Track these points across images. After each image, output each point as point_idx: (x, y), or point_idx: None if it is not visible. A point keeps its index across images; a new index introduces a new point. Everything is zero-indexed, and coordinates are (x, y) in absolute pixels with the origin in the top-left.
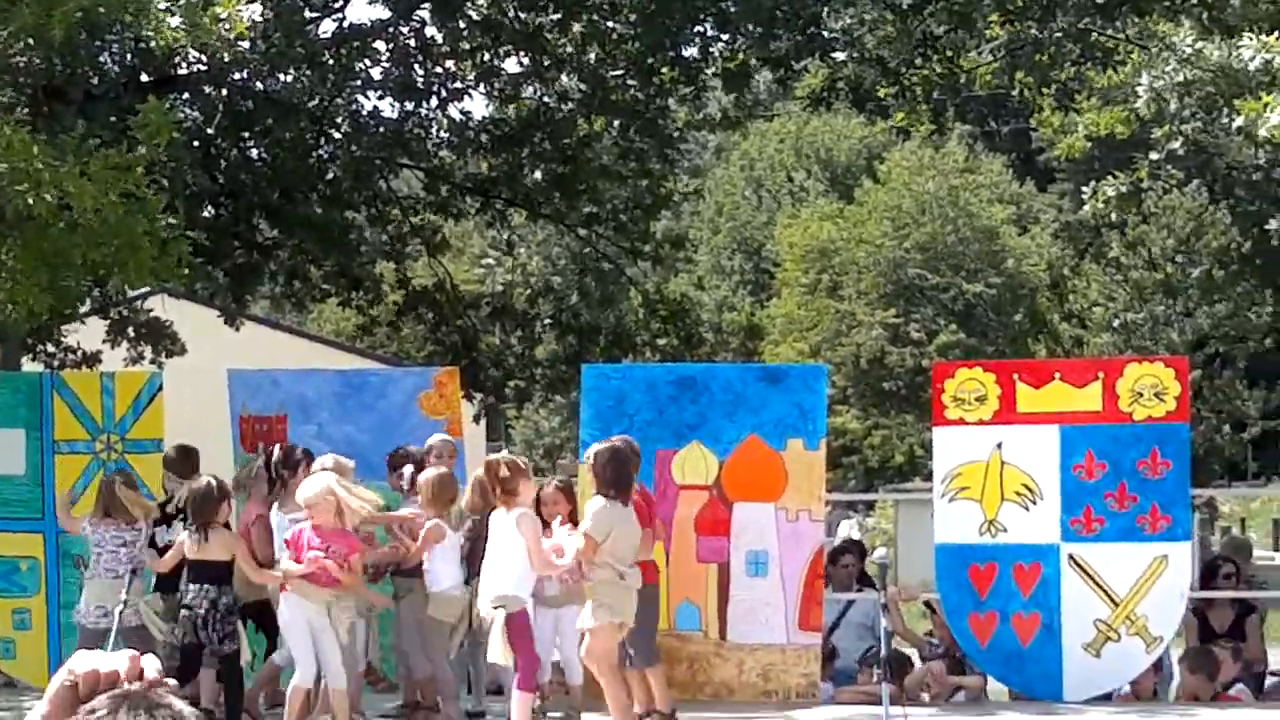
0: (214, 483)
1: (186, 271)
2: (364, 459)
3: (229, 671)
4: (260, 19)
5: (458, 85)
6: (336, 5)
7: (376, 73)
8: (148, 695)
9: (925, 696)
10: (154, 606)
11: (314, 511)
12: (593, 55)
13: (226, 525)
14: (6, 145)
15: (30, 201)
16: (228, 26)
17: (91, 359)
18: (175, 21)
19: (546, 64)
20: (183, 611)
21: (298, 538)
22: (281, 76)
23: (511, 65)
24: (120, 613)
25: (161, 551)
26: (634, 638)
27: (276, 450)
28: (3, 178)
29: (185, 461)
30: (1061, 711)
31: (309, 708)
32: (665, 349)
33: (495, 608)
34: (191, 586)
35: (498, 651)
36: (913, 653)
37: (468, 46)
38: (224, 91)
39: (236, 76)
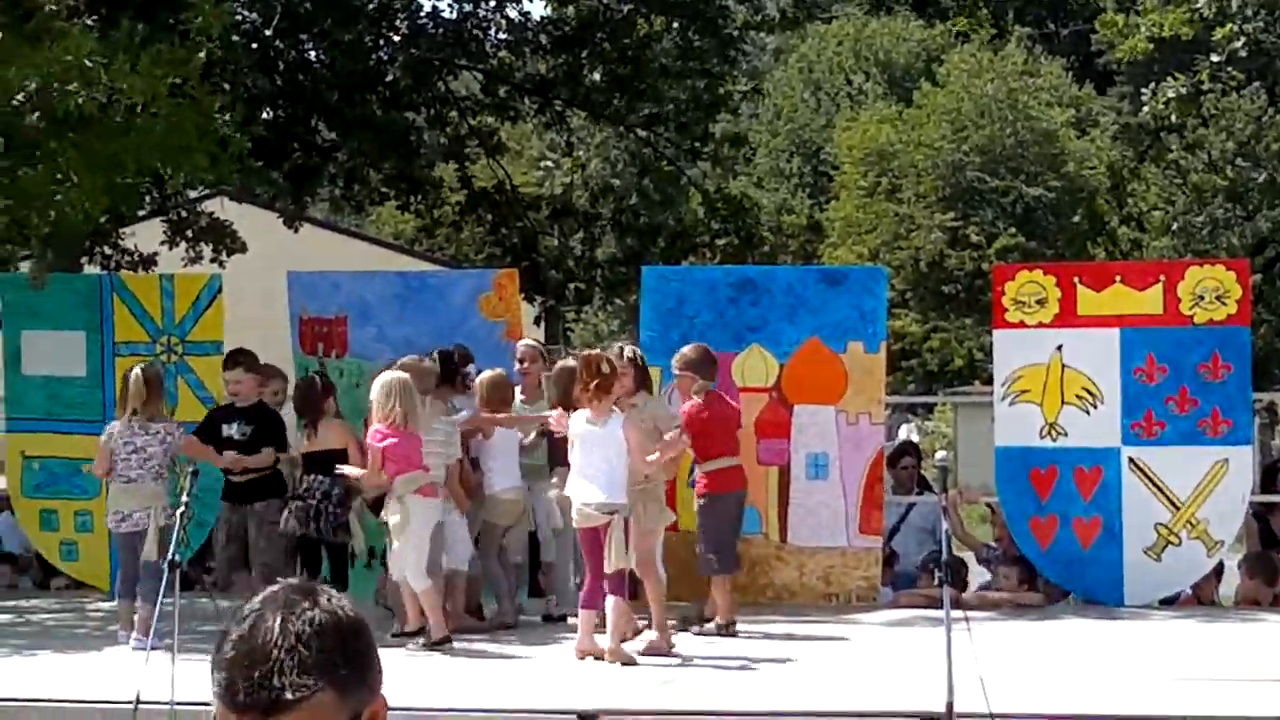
0: (317, 377)
1: (241, 170)
2: None
3: (335, 562)
4: None
5: None
6: None
7: None
8: (307, 586)
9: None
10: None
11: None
12: None
13: (338, 415)
14: (69, 45)
15: (80, 100)
16: None
17: (148, 261)
18: None
19: None
20: (294, 502)
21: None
22: None
23: None
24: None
25: (221, 446)
26: (720, 544)
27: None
28: (54, 77)
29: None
30: (1122, 615)
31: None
32: (725, 249)
33: (609, 514)
34: (305, 478)
35: (622, 558)
36: (968, 556)
37: None
38: None
39: None
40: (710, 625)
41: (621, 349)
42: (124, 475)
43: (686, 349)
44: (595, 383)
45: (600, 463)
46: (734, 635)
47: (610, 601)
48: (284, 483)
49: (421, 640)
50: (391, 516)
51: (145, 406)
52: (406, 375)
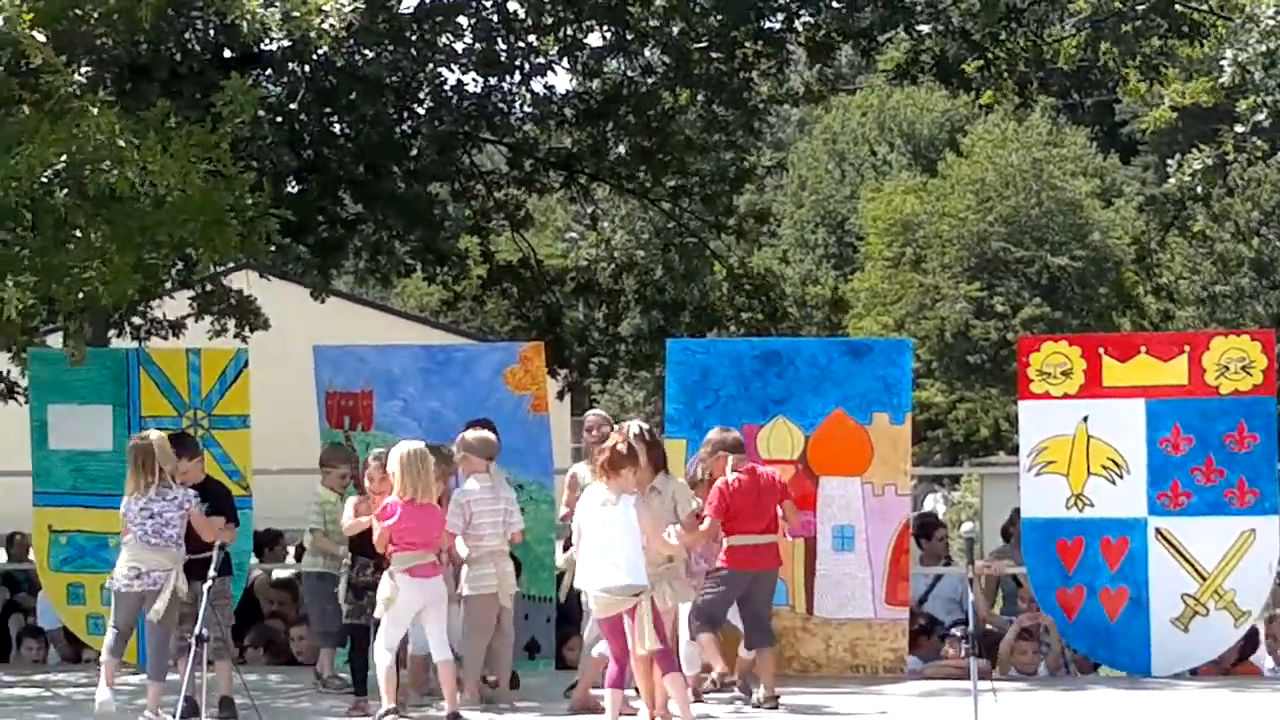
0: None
1: (273, 249)
2: (449, 434)
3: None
4: None
5: (541, 60)
6: None
7: (459, 47)
8: None
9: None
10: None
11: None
12: (676, 28)
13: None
14: (92, 124)
15: (113, 179)
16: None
17: (176, 327)
18: (261, 3)
19: (630, 37)
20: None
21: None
22: (365, 52)
23: (595, 39)
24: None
25: None
26: (707, 612)
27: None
28: (86, 155)
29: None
30: (1152, 685)
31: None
32: (750, 323)
33: (634, 597)
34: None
35: (654, 639)
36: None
37: (550, 20)
38: (307, 68)
39: (320, 53)
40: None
41: (628, 431)
42: (142, 539)
43: (713, 434)
44: (605, 459)
45: (618, 545)
46: (732, 688)
47: (669, 679)
48: (230, 558)
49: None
50: (383, 590)
51: (156, 471)
52: (422, 446)
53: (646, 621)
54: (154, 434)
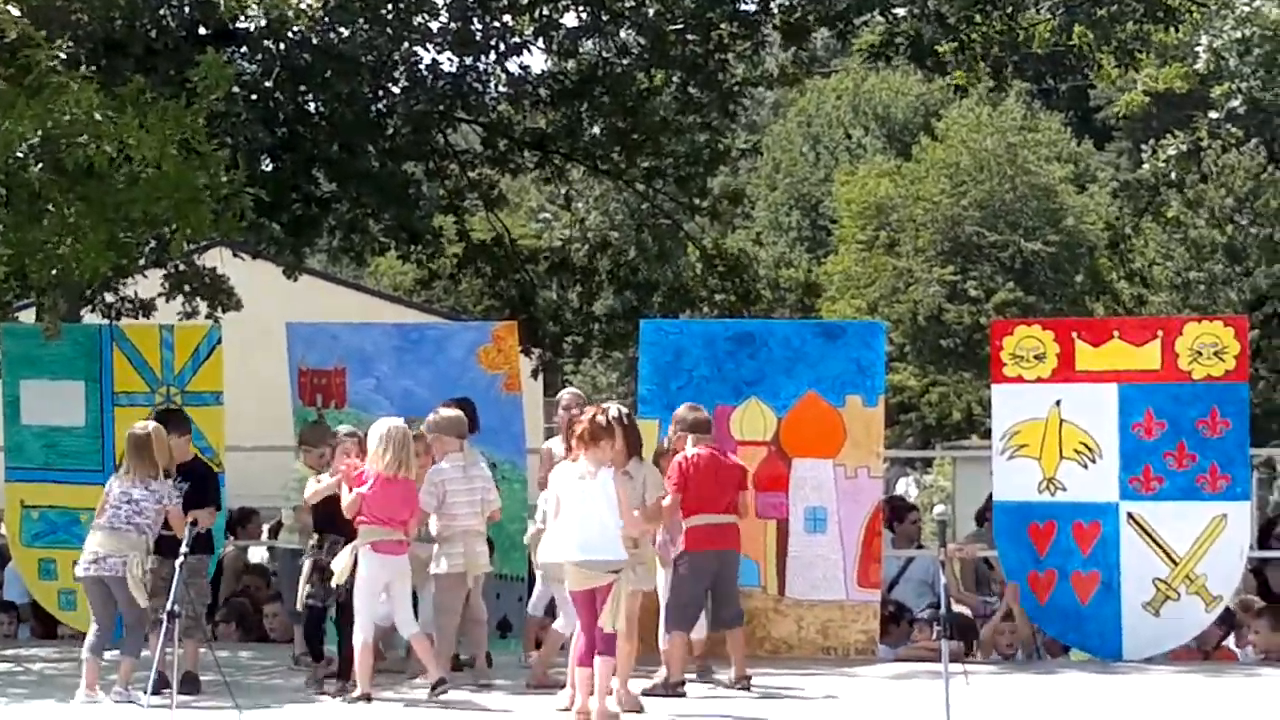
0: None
1: (246, 226)
2: (422, 412)
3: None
4: None
5: (516, 39)
6: None
7: (435, 26)
8: None
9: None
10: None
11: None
12: (652, 9)
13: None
14: (70, 98)
15: (90, 153)
16: None
17: (147, 307)
18: None
19: (605, 18)
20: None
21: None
22: (341, 30)
23: (570, 19)
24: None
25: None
26: (681, 600)
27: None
28: (62, 129)
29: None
30: (1124, 669)
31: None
32: (723, 305)
33: (613, 571)
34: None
35: (615, 618)
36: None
37: (526, 0)
38: (282, 46)
39: (296, 30)
40: (658, 683)
41: (607, 409)
42: (110, 523)
43: (682, 410)
44: (584, 430)
45: (594, 518)
46: (682, 695)
47: (602, 660)
48: (212, 537)
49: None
50: (340, 562)
51: (150, 464)
52: (403, 424)
53: (622, 599)
54: (153, 425)
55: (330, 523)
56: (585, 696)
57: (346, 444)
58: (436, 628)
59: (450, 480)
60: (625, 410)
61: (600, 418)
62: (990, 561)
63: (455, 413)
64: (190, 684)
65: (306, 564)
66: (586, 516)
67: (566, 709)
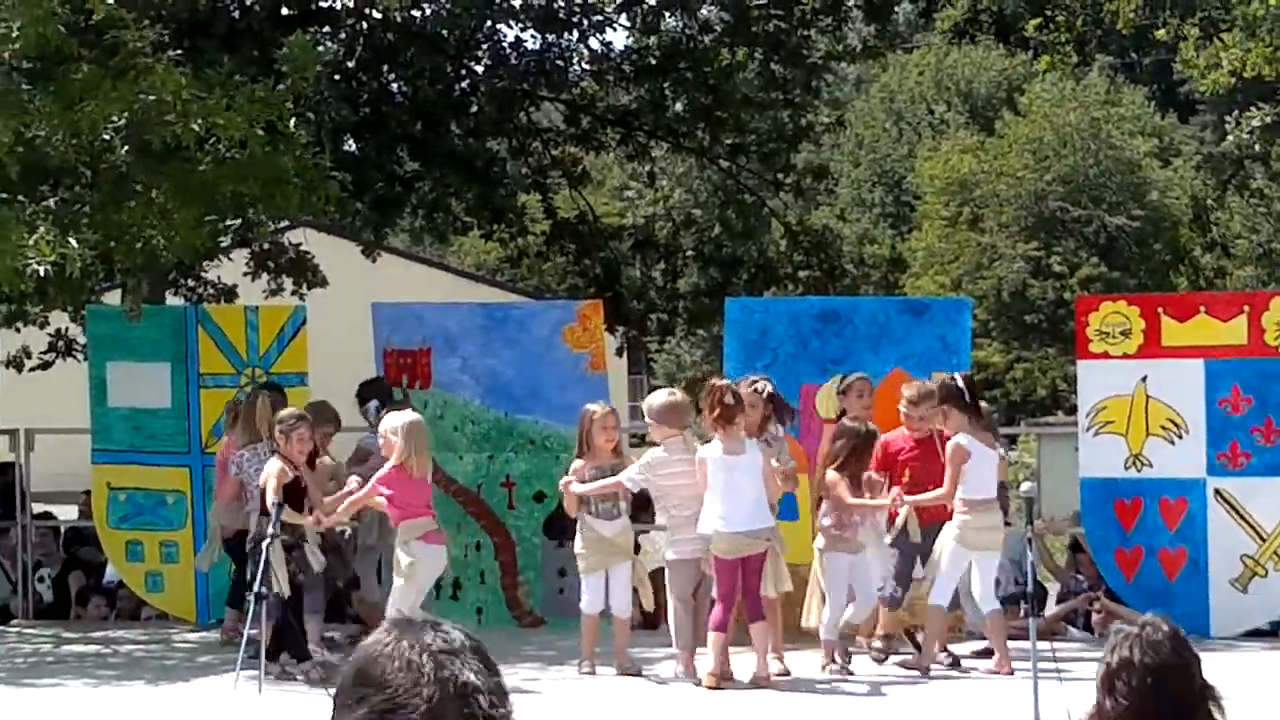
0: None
1: (333, 208)
2: (507, 392)
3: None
4: None
5: (599, 16)
6: None
7: (518, 3)
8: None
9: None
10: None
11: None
12: None
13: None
14: (157, 80)
15: (178, 133)
16: None
17: (230, 293)
18: None
19: None
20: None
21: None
22: (425, 8)
23: None
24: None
25: None
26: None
27: None
28: (149, 111)
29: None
30: (1214, 647)
31: None
32: (808, 281)
33: (766, 540)
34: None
35: (779, 582)
36: (1052, 588)
37: None
38: (365, 25)
39: (379, 9)
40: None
41: (754, 382)
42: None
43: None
44: (717, 413)
45: (748, 490)
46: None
47: (758, 626)
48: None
49: None
50: (403, 559)
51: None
52: (420, 418)
53: (781, 563)
54: (261, 393)
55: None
56: (721, 661)
57: (300, 429)
58: (672, 614)
59: (664, 464)
60: (770, 384)
61: (728, 397)
62: (1079, 540)
63: (676, 399)
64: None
65: (277, 548)
66: (737, 488)
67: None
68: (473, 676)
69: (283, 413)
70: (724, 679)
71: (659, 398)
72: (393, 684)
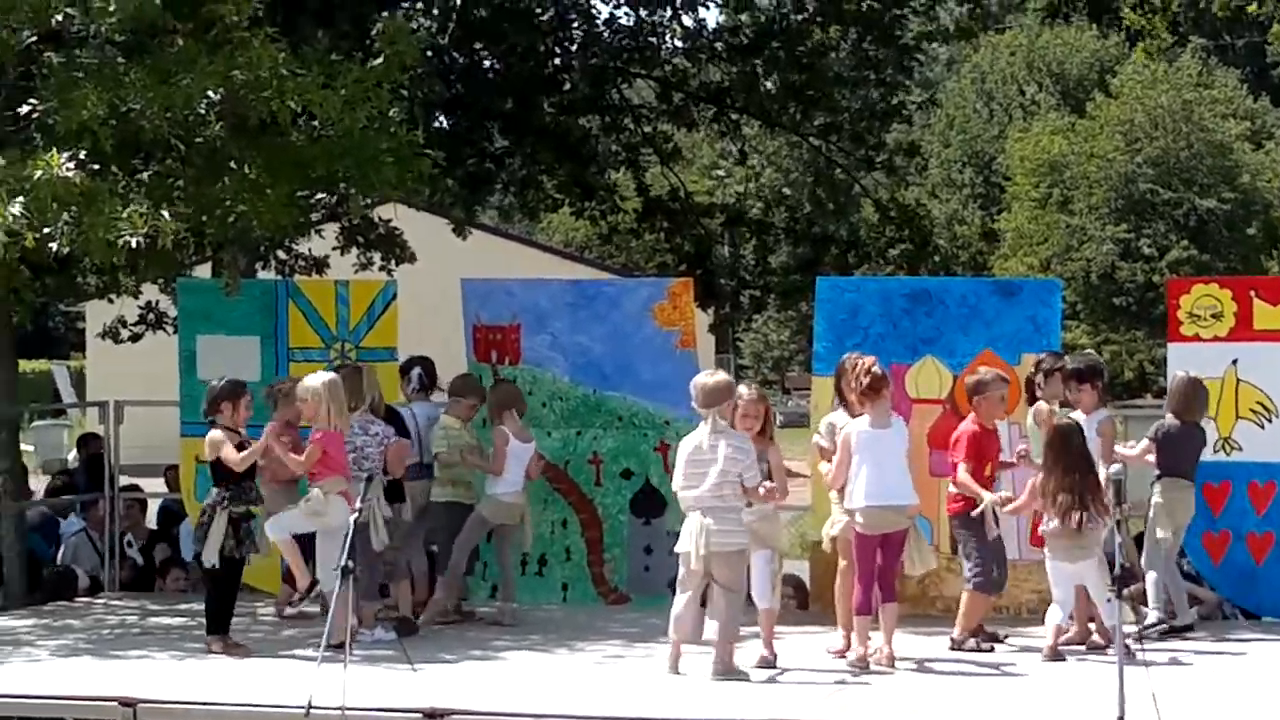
0: None
1: (425, 186)
2: (597, 368)
3: None
4: None
5: None
6: None
7: None
8: None
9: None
10: (383, 513)
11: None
12: None
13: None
14: (255, 54)
15: (274, 107)
16: None
17: (320, 265)
18: None
19: None
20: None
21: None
22: None
23: None
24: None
25: None
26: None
27: None
28: (244, 86)
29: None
30: None
31: None
32: (898, 259)
33: (910, 516)
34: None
35: (923, 559)
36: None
37: None
38: (458, 1)
39: None
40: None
41: (858, 362)
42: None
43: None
44: (865, 385)
45: (895, 465)
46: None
47: (888, 607)
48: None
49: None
50: (319, 504)
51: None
52: (335, 376)
53: (924, 542)
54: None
55: (240, 478)
56: (863, 644)
57: (247, 397)
58: (725, 602)
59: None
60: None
61: (877, 368)
62: None
63: (718, 379)
64: (406, 626)
65: (222, 520)
66: (884, 464)
67: (839, 652)
68: None
69: (222, 382)
70: (870, 662)
71: (708, 378)
72: None
